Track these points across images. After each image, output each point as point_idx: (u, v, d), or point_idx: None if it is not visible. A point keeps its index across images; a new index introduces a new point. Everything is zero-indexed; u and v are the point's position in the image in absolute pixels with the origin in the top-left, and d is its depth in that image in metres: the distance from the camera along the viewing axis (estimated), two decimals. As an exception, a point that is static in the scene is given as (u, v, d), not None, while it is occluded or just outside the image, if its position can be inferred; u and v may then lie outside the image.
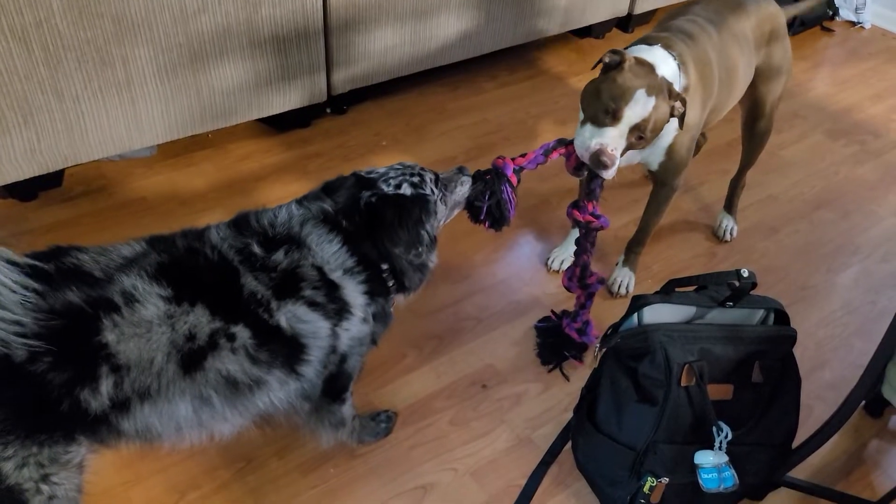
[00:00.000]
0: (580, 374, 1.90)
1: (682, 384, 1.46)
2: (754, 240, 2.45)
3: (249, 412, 1.33)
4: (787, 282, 2.29)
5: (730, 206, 2.45)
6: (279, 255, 1.33)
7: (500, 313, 2.09)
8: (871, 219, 2.58)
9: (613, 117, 1.66)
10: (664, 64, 1.74)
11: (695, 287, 1.64)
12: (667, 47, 1.79)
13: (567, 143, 1.73)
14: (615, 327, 1.64)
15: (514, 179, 1.66)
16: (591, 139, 1.67)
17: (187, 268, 1.27)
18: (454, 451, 1.73)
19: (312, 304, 1.33)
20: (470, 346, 1.99)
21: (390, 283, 1.48)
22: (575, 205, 1.81)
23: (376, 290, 1.45)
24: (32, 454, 1.12)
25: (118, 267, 1.20)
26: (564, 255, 2.23)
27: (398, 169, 1.49)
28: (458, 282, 2.16)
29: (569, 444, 1.74)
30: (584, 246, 1.84)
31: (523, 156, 1.69)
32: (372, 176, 1.48)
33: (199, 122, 2.38)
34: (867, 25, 3.91)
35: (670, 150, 1.90)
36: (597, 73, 1.76)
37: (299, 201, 1.45)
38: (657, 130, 1.72)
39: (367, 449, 1.71)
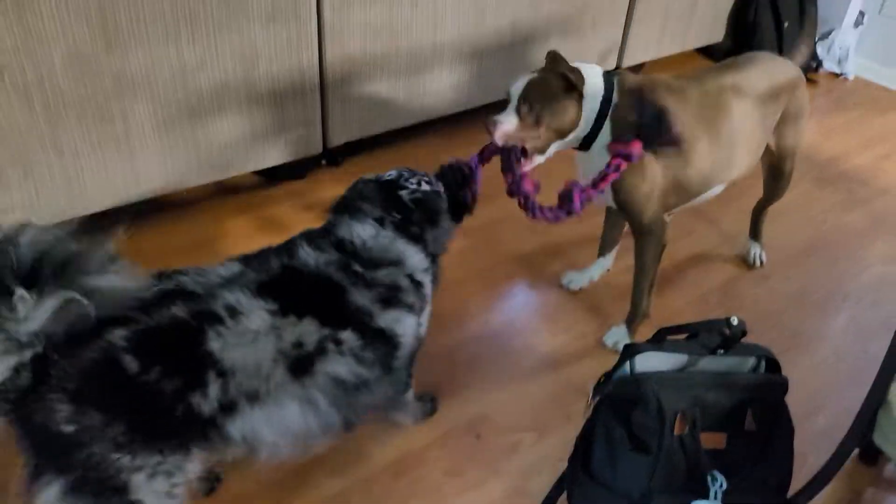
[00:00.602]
0: (575, 422, 1.89)
1: (675, 433, 1.46)
2: (746, 286, 2.47)
3: (352, 411, 1.39)
4: (780, 328, 2.30)
5: (755, 234, 2.56)
6: (381, 273, 1.44)
7: (493, 362, 2.10)
8: (859, 265, 2.61)
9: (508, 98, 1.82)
10: (593, 76, 1.82)
11: (686, 335, 1.66)
12: (609, 73, 1.85)
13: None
14: (608, 376, 1.65)
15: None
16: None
17: (289, 284, 1.35)
18: (448, 502, 1.72)
19: (409, 308, 1.49)
20: (463, 395, 1.99)
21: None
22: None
23: (435, 280, 1.63)
24: (158, 462, 1.17)
25: (218, 285, 1.28)
26: (580, 277, 2.36)
27: (403, 171, 1.66)
28: (451, 330, 2.17)
29: (564, 494, 1.73)
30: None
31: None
32: (391, 178, 1.62)
33: (196, 175, 2.41)
34: (850, 76, 4.00)
35: (618, 188, 1.92)
36: None
37: (376, 218, 1.54)
38: (549, 103, 1.79)
39: (362, 500, 1.70)
